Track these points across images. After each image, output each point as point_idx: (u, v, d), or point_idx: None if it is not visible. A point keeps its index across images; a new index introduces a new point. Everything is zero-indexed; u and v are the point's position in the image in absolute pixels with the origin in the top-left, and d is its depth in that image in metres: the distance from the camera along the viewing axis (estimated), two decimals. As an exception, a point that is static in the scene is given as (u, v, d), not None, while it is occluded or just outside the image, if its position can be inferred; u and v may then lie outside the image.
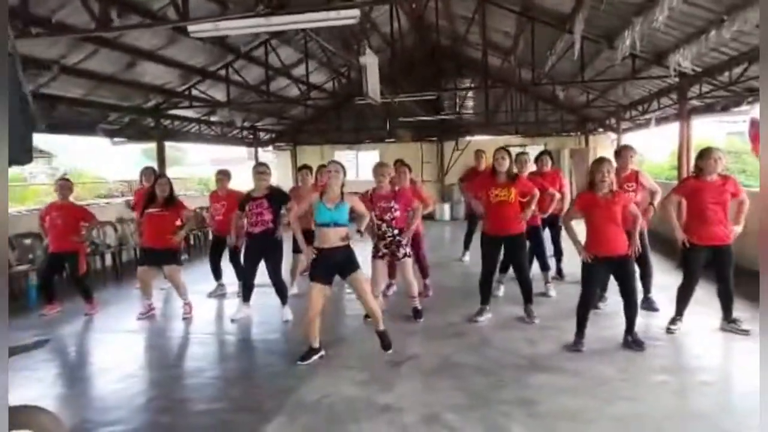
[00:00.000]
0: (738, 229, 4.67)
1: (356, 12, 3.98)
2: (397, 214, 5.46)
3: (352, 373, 4.25)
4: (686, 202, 4.87)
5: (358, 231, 4.55)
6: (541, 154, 7.00)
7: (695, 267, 4.74)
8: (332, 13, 4.03)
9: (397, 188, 5.62)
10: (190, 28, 4.29)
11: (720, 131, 19.43)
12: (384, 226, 5.46)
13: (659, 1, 5.44)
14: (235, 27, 4.33)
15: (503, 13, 8.87)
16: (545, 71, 9.97)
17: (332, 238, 4.29)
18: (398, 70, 10.57)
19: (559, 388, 3.86)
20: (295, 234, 4.79)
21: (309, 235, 6.60)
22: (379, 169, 5.55)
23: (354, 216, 4.53)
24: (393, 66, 9.48)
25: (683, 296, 4.84)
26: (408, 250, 5.55)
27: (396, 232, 5.47)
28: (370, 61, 5.62)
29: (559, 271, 7.01)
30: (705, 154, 4.66)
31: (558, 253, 6.92)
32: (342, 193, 4.36)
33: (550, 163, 6.82)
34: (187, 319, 5.99)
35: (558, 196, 6.09)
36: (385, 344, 4.61)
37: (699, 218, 4.66)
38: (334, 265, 4.37)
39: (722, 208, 4.61)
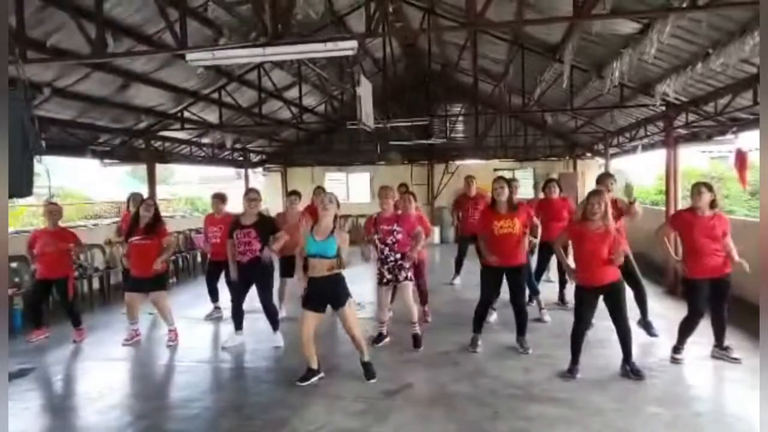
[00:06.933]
0: (736, 258, 4.60)
1: (354, 44, 4.02)
2: (400, 237, 5.46)
3: (347, 404, 4.21)
4: (681, 236, 4.91)
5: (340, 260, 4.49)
6: (549, 181, 7.04)
7: (699, 301, 4.74)
8: (330, 45, 4.06)
9: (400, 212, 5.65)
10: (188, 56, 4.31)
11: (704, 156, 19.83)
12: (386, 250, 5.45)
13: (648, 35, 5.59)
14: (232, 56, 4.35)
15: (494, 41, 9.04)
16: (535, 98, 10.12)
17: (319, 268, 4.41)
18: (390, 95, 10.68)
19: (553, 419, 3.86)
20: (297, 264, 4.83)
21: (292, 261, 6.62)
22: (382, 192, 5.57)
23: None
24: (385, 90, 9.58)
25: (687, 329, 4.84)
26: (410, 273, 5.52)
27: (398, 256, 5.46)
28: (365, 89, 5.67)
29: (562, 298, 6.98)
30: (694, 189, 4.75)
31: (562, 281, 6.91)
32: (333, 229, 4.45)
33: (558, 190, 6.85)
34: (172, 346, 5.90)
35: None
36: (369, 375, 4.65)
37: (694, 251, 4.70)
38: (324, 294, 4.48)
39: (713, 240, 4.65)
